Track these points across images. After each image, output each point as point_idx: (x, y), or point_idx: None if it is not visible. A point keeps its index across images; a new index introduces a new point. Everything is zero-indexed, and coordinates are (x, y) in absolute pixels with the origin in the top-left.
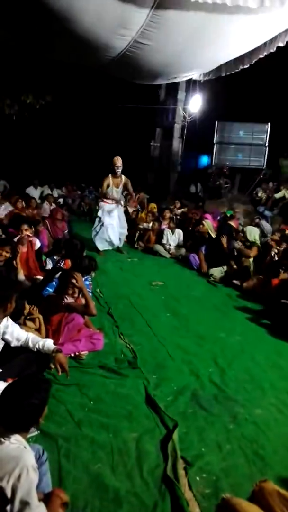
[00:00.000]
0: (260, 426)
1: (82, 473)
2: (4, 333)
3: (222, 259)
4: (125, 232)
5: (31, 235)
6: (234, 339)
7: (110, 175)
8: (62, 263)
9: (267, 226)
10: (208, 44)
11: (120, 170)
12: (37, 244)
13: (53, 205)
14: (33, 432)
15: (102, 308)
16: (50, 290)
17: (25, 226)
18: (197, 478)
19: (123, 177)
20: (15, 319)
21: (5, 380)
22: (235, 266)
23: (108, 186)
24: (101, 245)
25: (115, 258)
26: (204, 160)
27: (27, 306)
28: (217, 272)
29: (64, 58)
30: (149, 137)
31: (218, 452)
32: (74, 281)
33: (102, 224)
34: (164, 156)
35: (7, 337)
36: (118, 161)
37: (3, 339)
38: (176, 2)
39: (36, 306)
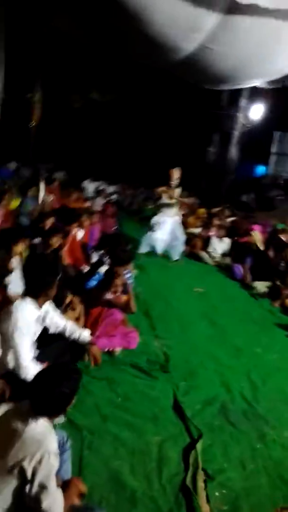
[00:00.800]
0: None
1: (102, 467)
2: (44, 317)
3: (267, 273)
4: (179, 245)
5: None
6: (271, 356)
7: (165, 187)
8: (107, 259)
9: None
10: (278, 52)
11: (176, 183)
12: (80, 234)
13: (106, 201)
14: (60, 419)
15: (139, 308)
16: (93, 283)
17: (85, 217)
18: (216, 493)
19: (178, 189)
20: (56, 306)
21: (41, 362)
22: (278, 283)
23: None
24: (144, 248)
25: (158, 261)
26: (260, 169)
27: (69, 296)
28: (261, 286)
29: (134, 57)
30: (206, 142)
31: (241, 469)
32: (118, 279)
33: (154, 231)
34: (220, 162)
35: (47, 321)
36: (176, 174)
37: (42, 324)
38: (248, 8)
39: (78, 296)
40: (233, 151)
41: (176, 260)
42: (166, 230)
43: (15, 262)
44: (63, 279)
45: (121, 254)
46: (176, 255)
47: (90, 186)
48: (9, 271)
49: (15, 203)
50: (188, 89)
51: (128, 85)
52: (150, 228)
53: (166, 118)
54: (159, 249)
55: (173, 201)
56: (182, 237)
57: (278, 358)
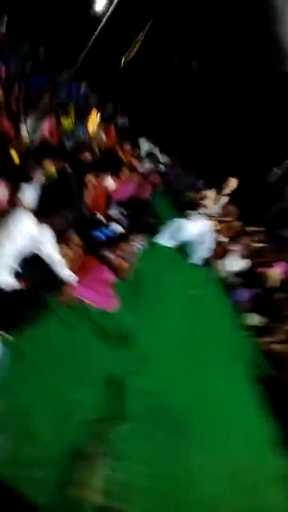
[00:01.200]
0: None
1: (17, 396)
2: (37, 240)
3: (266, 310)
4: (204, 250)
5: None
6: (226, 381)
7: (215, 191)
8: (125, 220)
9: None
10: None
11: (227, 193)
12: (111, 184)
13: (152, 167)
14: (7, 335)
15: (130, 281)
16: (102, 236)
17: (125, 170)
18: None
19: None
20: (57, 238)
21: (19, 281)
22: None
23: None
24: (160, 238)
25: (163, 254)
26: None
27: (73, 234)
28: (252, 318)
29: None
30: (277, 160)
31: (143, 466)
32: (127, 245)
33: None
34: (279, 187)
35: (39, 245)
36: (232, 184)
37: (35, 247)
38: None
39: (80, 239)
40: None
41: (194, 264)
42: (195, 230)
43: (40, 176)
44: (75, 215)
45: (142, 223)
46: (197, 259)
47: (144, 145)
48: (29, 179)
49: (68, 124)
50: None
51: (228, 71)
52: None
53: (250, 118)
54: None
55: (213, 207)
56: (210, 243)
57: (229, 386)
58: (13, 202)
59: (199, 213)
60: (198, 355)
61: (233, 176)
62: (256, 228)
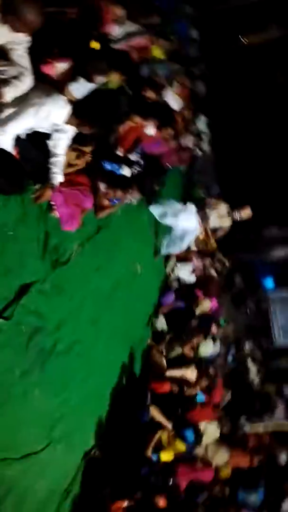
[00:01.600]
0: None
1: None
2: (58, 131)
3: (176, 324)
4: (176, 248)
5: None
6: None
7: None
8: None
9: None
10: None
11: (239, 219)
12: (150, 131)
13: (192, 146)
14: None
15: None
16: (109, 167)
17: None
18: None
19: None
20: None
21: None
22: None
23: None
24: (154, 208)
25: (142, 221)
26: (268, 282)
27: (88, 149)
28: (160, 322)
29: None
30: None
31: None
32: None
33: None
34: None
35: (56, 135)
36: (246, 215)
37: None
38: None
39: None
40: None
41: (158, 253)
42: (184, 224)
43: (100, 80)
44: (101, 133)
45: (147, 184)
46: (165, 251)
47: (200, 124)
48: (90, 78)
49: (158, 53)
50: None
51: None
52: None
53: None
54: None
55: (214, 221)
56: (185, 245)
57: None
58: (65, 81)
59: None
60: (104, 318)
61: (251, 206)
62: (227, 257)
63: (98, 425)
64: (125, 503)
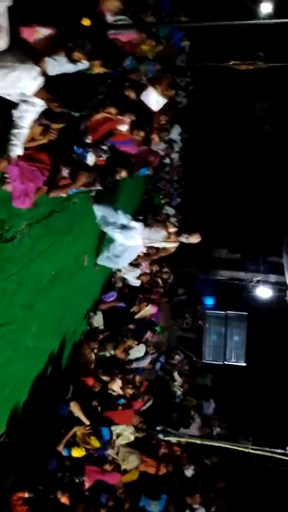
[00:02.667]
0: None
1: None
2: (27, 103)
3: (112, 323)
4: (114, 263)
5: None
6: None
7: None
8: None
9: None
10: None
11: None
12: (123, 128)
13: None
14: None
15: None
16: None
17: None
18: None
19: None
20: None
21: None
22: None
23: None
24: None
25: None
26: (208, 301)
27: (56, 126)
28: (98, 318)
29: None
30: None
31: None
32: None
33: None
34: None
35: (24, 107)
36: (194, 240)
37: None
38: None
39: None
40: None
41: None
42: (125, 242)
43: (81, 65)
44: (74, 118)
45: (107, 178)
46: (101, 262)
47: (174, 133)
48: (72, 59)
49: (146, 51)
50: None
51: None
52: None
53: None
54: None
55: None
56: (122, 264)
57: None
58: (42, 52)
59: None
60: (39, 305)
61: (199, 233)
62: (168, 273)
63: (13, 411)
64: (26, 494)
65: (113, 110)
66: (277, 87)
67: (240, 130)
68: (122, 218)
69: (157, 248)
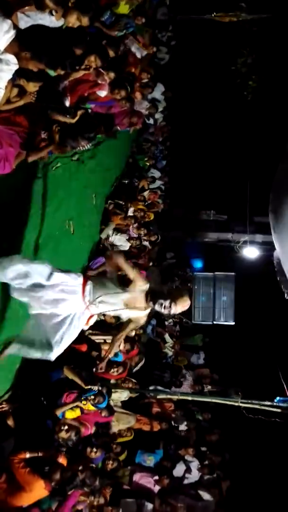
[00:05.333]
0: None
1: None
2: None
3: None
4: None
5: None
6: None
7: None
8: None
9: None
10: None
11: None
12: (102, 93)
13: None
14: None
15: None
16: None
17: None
18: None
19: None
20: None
21: None
22: None
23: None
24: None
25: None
26: (197, 263)
27: (34, 85)
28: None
29: None
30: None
31: None
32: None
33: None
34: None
35: None
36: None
37: None
38: None
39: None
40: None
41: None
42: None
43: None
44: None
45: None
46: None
47: (157, 91)
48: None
49: (123, 8)
50: None
51: None
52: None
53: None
54: None
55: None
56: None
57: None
58: (15, 4)
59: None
60: None
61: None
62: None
63: (7, 377)
64: (27, 455)
65: (92, 58)
66: (260, 40)
67: (224, 87)
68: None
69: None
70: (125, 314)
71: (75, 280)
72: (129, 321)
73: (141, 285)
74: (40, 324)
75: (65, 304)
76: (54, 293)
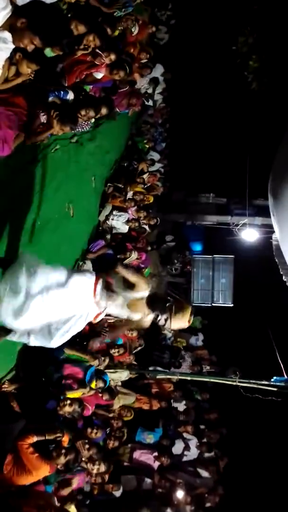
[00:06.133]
0: None
1: None
2: None
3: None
4: None
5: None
6: None
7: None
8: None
9: None
10: None
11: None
12: (98, 75)
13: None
14: None
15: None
16: (53, 95)
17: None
18: None
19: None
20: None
21: None
22: None
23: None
24: None
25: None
26: (197, 246)
27: (32, 65)
28: (87, 265)
29: None
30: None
31: None
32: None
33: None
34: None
35: None
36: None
37: None
38: None
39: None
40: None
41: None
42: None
43: None
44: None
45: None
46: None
47: (157, 71)
48: None
49: None
50: None
51: None
52: None
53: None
54: None
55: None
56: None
57: None
58: None
59: None
60: None
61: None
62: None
63: (9, 358)
64: (35, 438)
65: (91, 37)
66: (262, 20)
67: (225, 67)
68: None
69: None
70: (128, 316)
71: (89, 280)
72: (133, 322)
73: (143, 289)
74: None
75: (77, 303)
76: (68, 295)
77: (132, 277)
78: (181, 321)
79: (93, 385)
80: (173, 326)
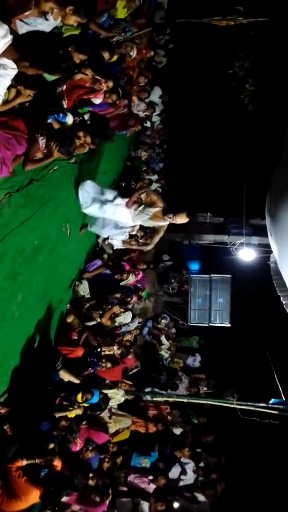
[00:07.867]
0: None
1: None
2: None
3: (99, 292)
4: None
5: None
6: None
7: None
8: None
9: None
10: None
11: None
12: (97, 101)
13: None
14: None
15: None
16: (52, 118)
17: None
18: None
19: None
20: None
21: None
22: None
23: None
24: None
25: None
26: (194, 266)
27: (27, 91)
28: (84, 286)
29: None
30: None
31: None
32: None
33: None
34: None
35: None
36: (182, 220)
37: None
38: None
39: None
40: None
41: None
42: (113, 216)
43: (49, 7)
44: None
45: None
46: (95, 229)
47: (155, 95)
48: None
49: (121, 12)
50: None
51: None
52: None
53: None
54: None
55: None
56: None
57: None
58: (13, 10)
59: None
60: (23, 275)
61: (187, 212)
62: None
63: (2, 380)
64: (24, 462)
65: (89, 72)
66: (258, 44)
67: (221, 90)
68: (108, 194)
69: (145, 230)
70: (151, 224)
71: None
72: (157, 230)
73: (160, 205)
74: None
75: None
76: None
77: (155, 198)
78: (182, 218)
79: (78, 398)
80: (177, 221)
